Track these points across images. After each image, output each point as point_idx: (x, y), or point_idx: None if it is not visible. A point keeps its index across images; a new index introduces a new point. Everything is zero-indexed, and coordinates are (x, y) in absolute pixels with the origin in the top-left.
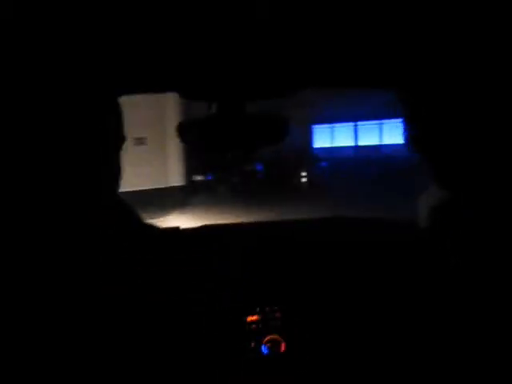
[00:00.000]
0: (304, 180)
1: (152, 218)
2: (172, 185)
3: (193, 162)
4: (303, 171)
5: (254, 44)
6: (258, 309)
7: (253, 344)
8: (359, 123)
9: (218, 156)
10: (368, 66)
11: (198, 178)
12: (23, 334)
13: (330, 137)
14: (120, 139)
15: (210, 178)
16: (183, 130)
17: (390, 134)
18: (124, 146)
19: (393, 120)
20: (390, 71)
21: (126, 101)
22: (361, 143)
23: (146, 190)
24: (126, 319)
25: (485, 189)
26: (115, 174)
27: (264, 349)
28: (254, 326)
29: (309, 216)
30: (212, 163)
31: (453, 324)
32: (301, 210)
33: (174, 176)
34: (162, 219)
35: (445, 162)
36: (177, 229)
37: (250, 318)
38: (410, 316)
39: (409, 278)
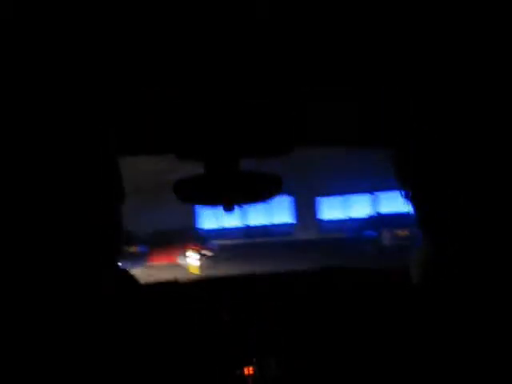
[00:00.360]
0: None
1: None
2: None
3: None
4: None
5: (247, 101)
6: (254, 359)
7: None
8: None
9: None
10: (362, 124)
11: None
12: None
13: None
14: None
15: None
16: (178, 188)
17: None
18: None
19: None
20: (382, 131)
21: None
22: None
23: None
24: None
25: (478, 244)
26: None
27: None
28: (250, 377)
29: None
30: None
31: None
32: None
33: None
34: None
35: (435, 217)
36: (175, 282)
37: (246, 371)
38: (405, 367)
39: (402, 327)
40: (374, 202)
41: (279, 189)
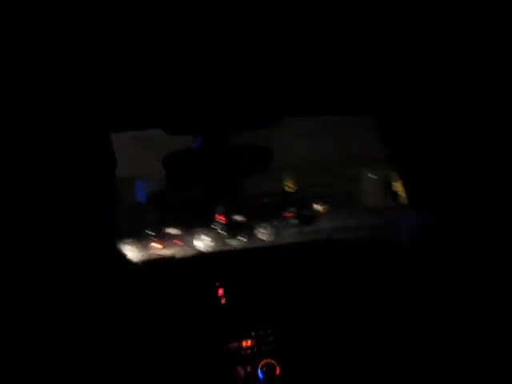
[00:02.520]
0: None
1: None
2: None
3: None
4: None
5: (237, 73)
6: (252, 333)
7: (249, 368)
8: None
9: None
10: (348, 91)
11: None
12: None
13: None
14: (113, 188)
15: None
16: (168, 164)
17: None
18: None
19: None
20: (369, 96)
21: None
22: None
23: None
24: (123, 347)
25: (460, 208)
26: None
27: (260, 373)
28: (248, 350)
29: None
30: None
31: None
32: None
33: None
34: None
35: (418, 182)
36: (173, 257)
37: (245, 343)
38: (401, 328)
39: (395, 293)
40: None
41: (269, 161)
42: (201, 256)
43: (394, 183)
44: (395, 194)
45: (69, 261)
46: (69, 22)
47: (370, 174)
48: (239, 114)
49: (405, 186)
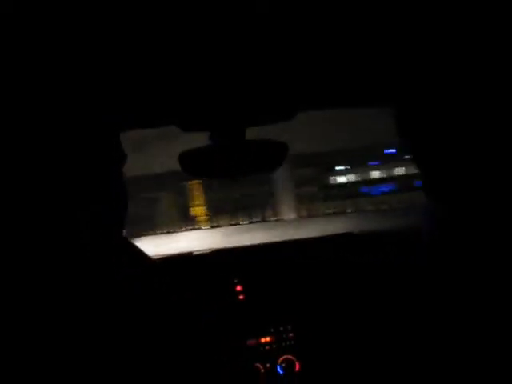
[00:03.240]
0: None
1: None
2: None
3: None
4: None
5: (250, 70)
6: (271, 329)
7: (268, 365)
8: None
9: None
10: (364, 84)
11: None
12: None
13: None
14: (122, 182)
15: None
16: (185, 161)
17: None
18: None
19: None
20: (385, 88)
21: None
22: None
23: None
24: (136, 342)
25: (478, 202)
26: (119, 212)
27: (279, 369)
28: (268, 347)
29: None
30: None
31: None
32: None
33: None
34: None
35: (438, 176)
36: (190, 254)
37: (264, 339)
38: (419, 328)
39: (417, 292)
40: None
41: (285, 156)
42: (219, 252)
43: None
44: None
45: (70, 259)
46: (77, 16)
47: None
48: (252, 109)
49: (423, 177)
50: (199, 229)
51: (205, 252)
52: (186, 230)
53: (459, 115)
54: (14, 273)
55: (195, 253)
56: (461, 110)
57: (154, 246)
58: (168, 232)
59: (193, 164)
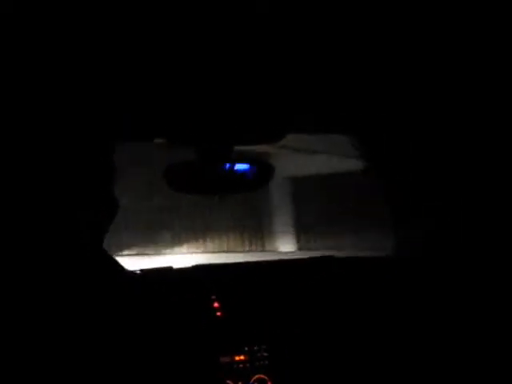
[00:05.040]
0: None
1: None
2: None
3: None
4: None
5: (242, 91)
6: (246, 348)
7: (240, 383)
8: None
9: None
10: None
11: None
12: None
13: None
14: (111, 195)
15: None
16: (170, 176)
17: None
18: None
19: None
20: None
21: None
22: None
23: None
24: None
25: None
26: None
27: None
28: (241, 365)
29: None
30: None
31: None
32: None
33: None
34: None
35: (401, 193)
36: (170, 268)
37: (237, 358)
38: (402, 354)
39: (396, 313)
40: None
41: (271, 178)
42: (198, 267)
43: None
44: None
45: (67, 264)
46: (69, 29)
47: None
48: (241, 127)
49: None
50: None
51: (185, 267)
52: None
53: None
54: (12, 272)
55: (175, 267)
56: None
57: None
58: None
59: (178, 179)
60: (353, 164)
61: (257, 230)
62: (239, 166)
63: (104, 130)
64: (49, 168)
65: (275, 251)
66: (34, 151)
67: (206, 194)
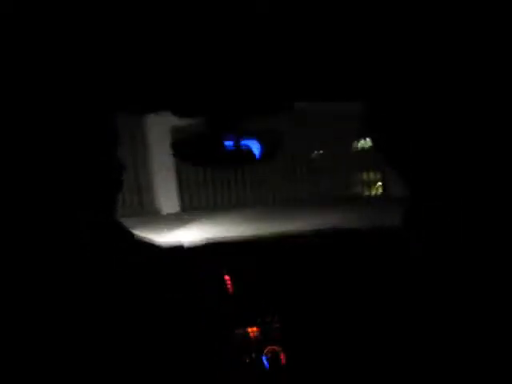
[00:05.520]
0: None
1: None
2: None
3: None
4: None
5: (245, 61)
6: (258, 320)
7: (254, 355)
8: None
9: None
10: (353, 78)
11: None
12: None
13: None
14: (116, 159)
15: None
16: (178, 148)
17: None
18: None
19: None
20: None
21: None
22: None
23: None
24: (126, 335)
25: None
26: (112, 192)
27: (264, 360)
28: (254, 336)
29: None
30: None
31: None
32: None
33: None
34: None
35: (410, 168)
36: (181, 246)
37: (250, 329)
38: (407, 319)
39: (400, 281)
40: None
41: (281, 147)
42: (208, 243)
43: None
44: None
45: (71, 255)
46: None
47: None
48: (248, 98)
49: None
50: None
51: (195, 243)
52: None
53: (432, 110)
54: (14, 271)
55: (186, 244)
56: (433, 105)
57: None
58: None
59: (186, 151)
60: None
61: None
62: (245, 141)
63: (106, 100)
64: (53, 139)
65: None
66: (33, 143)
67: (214, 166)
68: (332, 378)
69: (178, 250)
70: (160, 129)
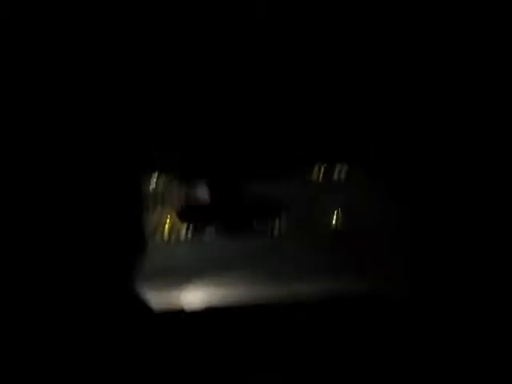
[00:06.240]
0: None
1: None
2: None
3: None
4: None
5: (255, 130)
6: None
7: None
8: None
9: None
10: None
11: None
12: None
13: None
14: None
15: None
16: (184, 215)
17: None
18: None
19: None
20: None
21: None
22: None
23: None
24: None
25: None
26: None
27: None
28: None
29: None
30: None
31: None
32: None
33: None
34: None
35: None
36: (182, 311)
37: None
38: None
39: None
40: None
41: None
42: (210, 310)
43: None
44: None
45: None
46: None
47: None
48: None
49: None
50: None
51: (196, 310)
52: None
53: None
54: (15, 274)
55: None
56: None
57: None
58: None
59: (192, 217)
60: None
61: None
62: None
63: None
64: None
65: None
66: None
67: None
68: None
69: (178, 317)
70: None
